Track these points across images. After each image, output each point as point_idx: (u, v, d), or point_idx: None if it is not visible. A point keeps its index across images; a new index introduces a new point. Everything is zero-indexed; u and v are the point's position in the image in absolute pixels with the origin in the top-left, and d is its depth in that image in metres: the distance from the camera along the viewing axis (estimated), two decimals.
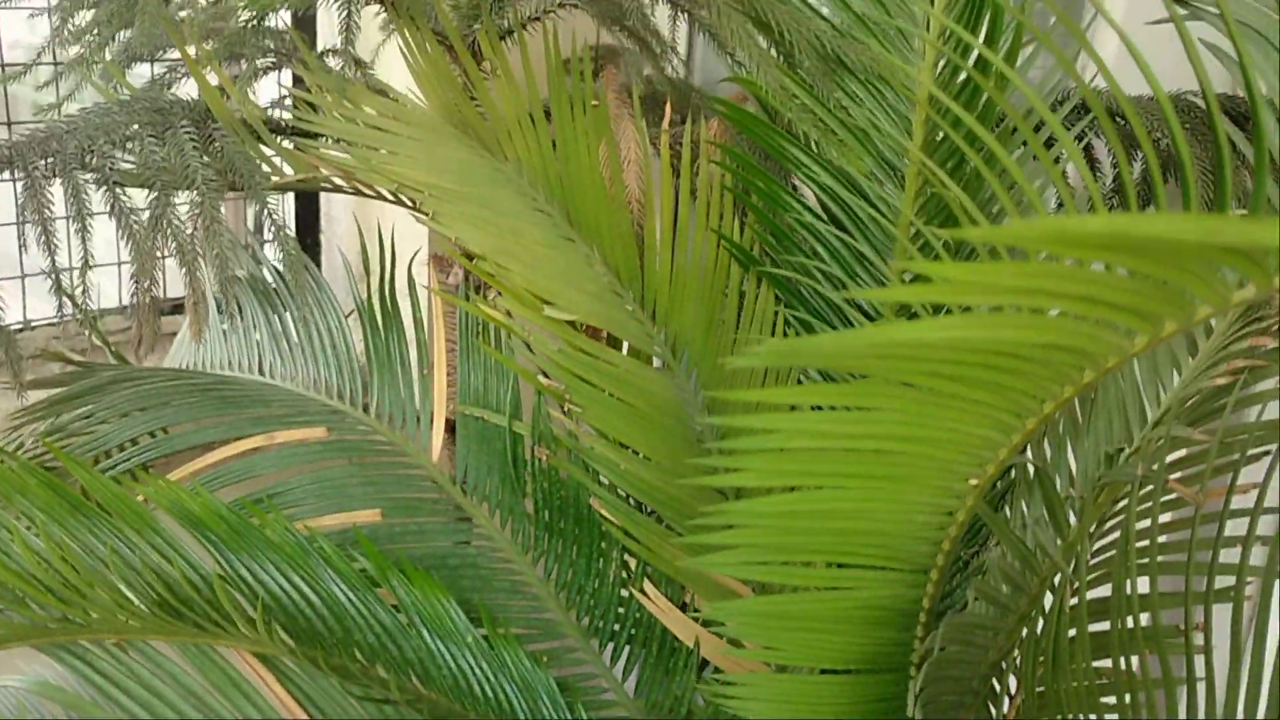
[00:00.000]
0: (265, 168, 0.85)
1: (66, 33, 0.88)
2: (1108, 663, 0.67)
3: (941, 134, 0.83)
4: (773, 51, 0.83)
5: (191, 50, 0.86)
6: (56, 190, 0.80)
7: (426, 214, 0.80)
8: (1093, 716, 0.67)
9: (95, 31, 0.87)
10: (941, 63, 0.83)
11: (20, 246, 0.79)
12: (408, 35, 0.87)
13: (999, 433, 0.51)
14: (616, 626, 0.93)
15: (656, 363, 0.89)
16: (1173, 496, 0.68)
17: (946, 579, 0.65)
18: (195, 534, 0.75)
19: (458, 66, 0.90)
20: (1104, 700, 0.67)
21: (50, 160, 0.76)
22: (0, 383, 0.81)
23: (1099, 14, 0.58)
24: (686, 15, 0.95)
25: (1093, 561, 0.72)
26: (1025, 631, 0.70)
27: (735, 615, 0.65)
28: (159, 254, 0.80)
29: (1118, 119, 0.92)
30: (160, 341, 0.90)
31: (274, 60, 0.93)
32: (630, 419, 0.82)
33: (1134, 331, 0.42)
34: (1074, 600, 0.68)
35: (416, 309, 1.01)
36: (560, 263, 0.85)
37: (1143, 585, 0.67)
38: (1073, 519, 0.73)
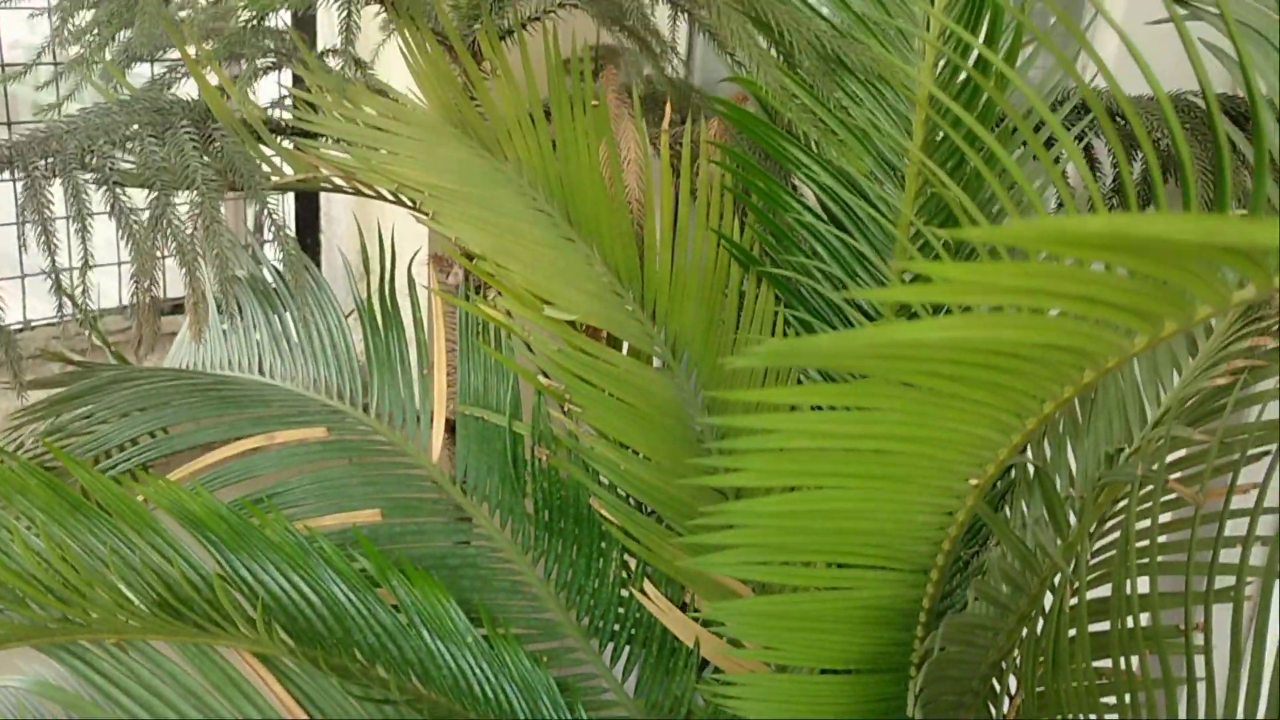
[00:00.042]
0: (265, 168, 0.85)
1: (66, 33, 0.88)
2: (1108, 663, 0.67)
3: (941, 134, 0.83)
4: (772, 51, 0.83)
5: (191, 50, 0.86)
6: (56, 190, 0.80)
7: (426, 214, 0.80)
8: (1093, 717, 0.67)
9: (95, 31, 0.87)
10: (941, 63, 0.83)
11: (20, 247, 0.79)
12: (407, 35, 0.87)
13: (999, 433, 0.51)
14: (616, 626, 0.93)
15: (656, 363, 0.89)
16: (1173, 496, 0.68)
17: (947, 579, 0.65)
18: (195, 534, 0.75)
19: (457, 66, 0.90)
20: (1104, 700, 0.67)
21: (50, 160, 0.76)
22: (0, 382, 0.81)
23: (1099, 14, 0.58)
24: (686, 15, 0.95)
25: (1093, 561, 0.72)
26: (1025, 631, 0.70)
27: (735, 615, 0.65)
28: (159, 254, 0.80)
29: (1118, 119, 0.92)
30: (160, 341, 0.90)
31: (274, 60, 0.93)
32: (630, 419, 0.82)
33: (1134, 331, 0.42)
34: (1074, 600, 0.68)
35: (416, 309, 1.01)
36: (560, 263, 0.85)
37: (1143, 585, 0.67)
38: (1073, 519, 0.73)
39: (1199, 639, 0.67)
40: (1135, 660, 0.66)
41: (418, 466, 0.97)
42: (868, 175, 0.84)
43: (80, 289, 0.79)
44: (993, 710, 0.75)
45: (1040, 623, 0.69)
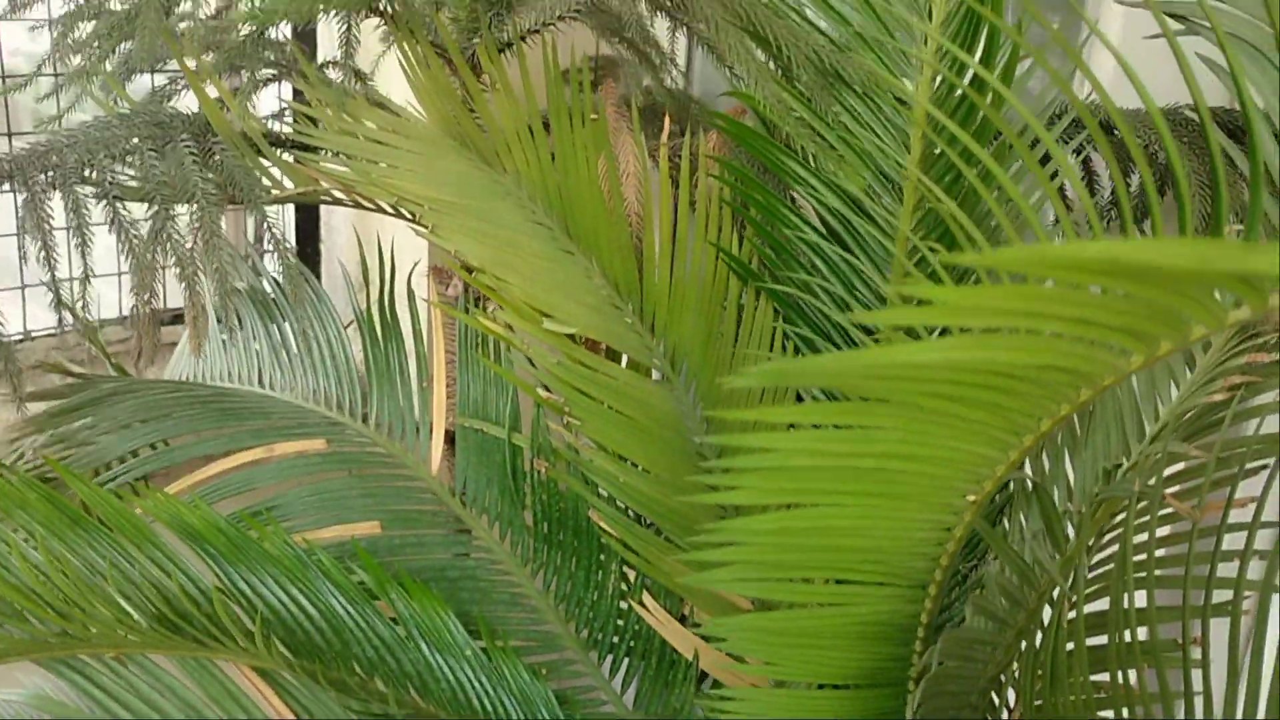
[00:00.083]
0: (265, 181, 0.85)
1: (68, 44, 0.88)
2: (1106, 676, 0.67)
3: (945, 140, 0.83)
4: (770, 65, 0.83)
5: (191, 63, 0.86)
6: (57, 201, 0.80)
7: (426, 227, 0.80)
8: None
9: (96, 44, 0.88)
10: (939, 78, 0.83)
11: (20, 258, 0.80)
12: (407, 49, 0.88)
13: (997, 450, 0.51)
14: (615, 639, 0.93)
15: (655, 375, 0.89)
16: (1171, 510, 0.68)
17: (945, 593, 0.65)
18: (194, 547, 0.75)
19: (457, 79, 0.91)
20: (1102, 714, 0.67)
21: (50, 174, 0.77)
22: (0, 394, 0.81)
23: (1093, 33, 0.58)
24: (685, 28, 0.95)
25: (1090, 575, 0.72)
26: (1024, 645, 0.70)
27: (734, 631, 0.65)
28: (159, 266, 0.80)
29: (1115, 133, 0.92)
30: (160, 351, 0.90)
31: (274, 72, 0.93)
32: (629, 431, 0.82)
33: (1129, 351, 0.42)
34: (1072, 614, 0.68)
35: (416, 320, 1.01)
36: (559, 275, 0.85)
37: (1140, 599, 0.67)
38: (1070, 532, 0.73)
39: (1196, 653, 0.68)
40: (1133, 674, 0.67)
41: (417, 478, 0.97)
42: (866, 190, 0.84)
43: (80, 304, 0.79)
44: None
45: (1038, 636, 0.69)
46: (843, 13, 0.84)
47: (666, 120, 0.99)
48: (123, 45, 0.89)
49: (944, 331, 0.80)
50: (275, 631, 0.75)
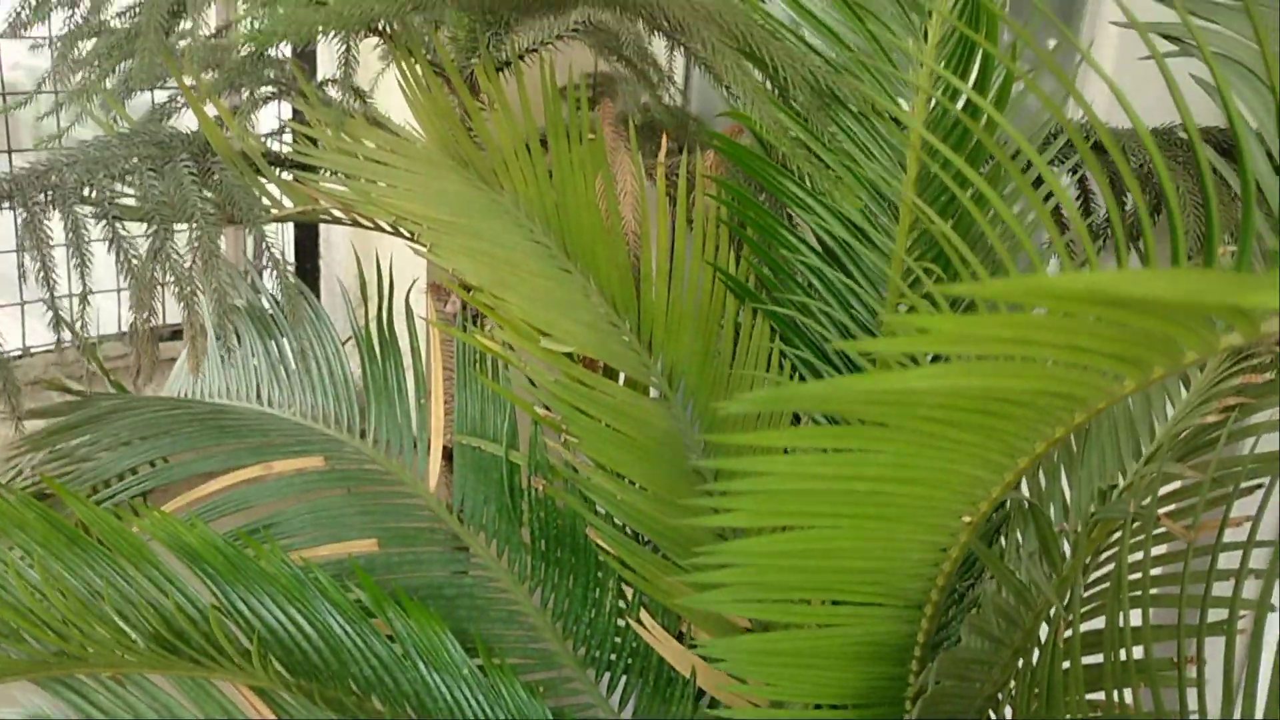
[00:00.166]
0: (264, 200, 0.86)
1: (68, 63, 0.89)
2: (1102, 695, 0.68)
3: (939, 164, 0.84)
4: (767, 84, 0.84)
5: (190, 82, 0.86)
6: (56, 217, 0.80)
7: (425, 246, 0.81)
8: None
9: (96, 63, 0.88)
10: (934, 99, 0.84)
11: (20, 276, 0.80)
12: (405, 69, 0.88)
13: (991, 472, 0.51)
14: (613, 656, 0.93)
15: (653, 393, 0.89)
16: (1166, 529, 0.69)
17: (942, 613, 0.65)
18: (192, 566, 0.75)
19: (455, 98, 0.91)
20: None
21: (49, 194, 0.77)
22: None
23: (1084, 59, 0.58)
24: (683, 47, 0.96)
25: (1087, 594, 0.73)
26: (1020, 664, 0.70)
27: (732, 652, 0.65)
28: (158, 283, 0.80)
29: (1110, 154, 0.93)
30: (159, 367, 0.91)
31: (274, 90, 0.94)
32: (627, 449, 0.82)
33: (1122, 376, 0.43)
34: (1068, 633, 0.68)
35: (414, 337, 1.01)
36: (557, 294, 0.86)
37: (1136, 618, 0.67)
38: (1066, 549, 0.73)
39: (1192, 672, 0.68)
40: (1129, 693, 0.67)
41: (415, 495, 0.97)
42: (863, 210, 0.85)
43: (80, 324, 0.79)
44: None
45: (1035, 655, 0.70)
46: (839, 34, 0.85)
47: (664, 138, 1.00)
48: (123, 64, 0.89)
49: (939, 355, 0.80)
50: (272, 650, 0.75)
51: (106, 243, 0.80)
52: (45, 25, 0.95)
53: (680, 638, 0.90)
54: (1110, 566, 0.72)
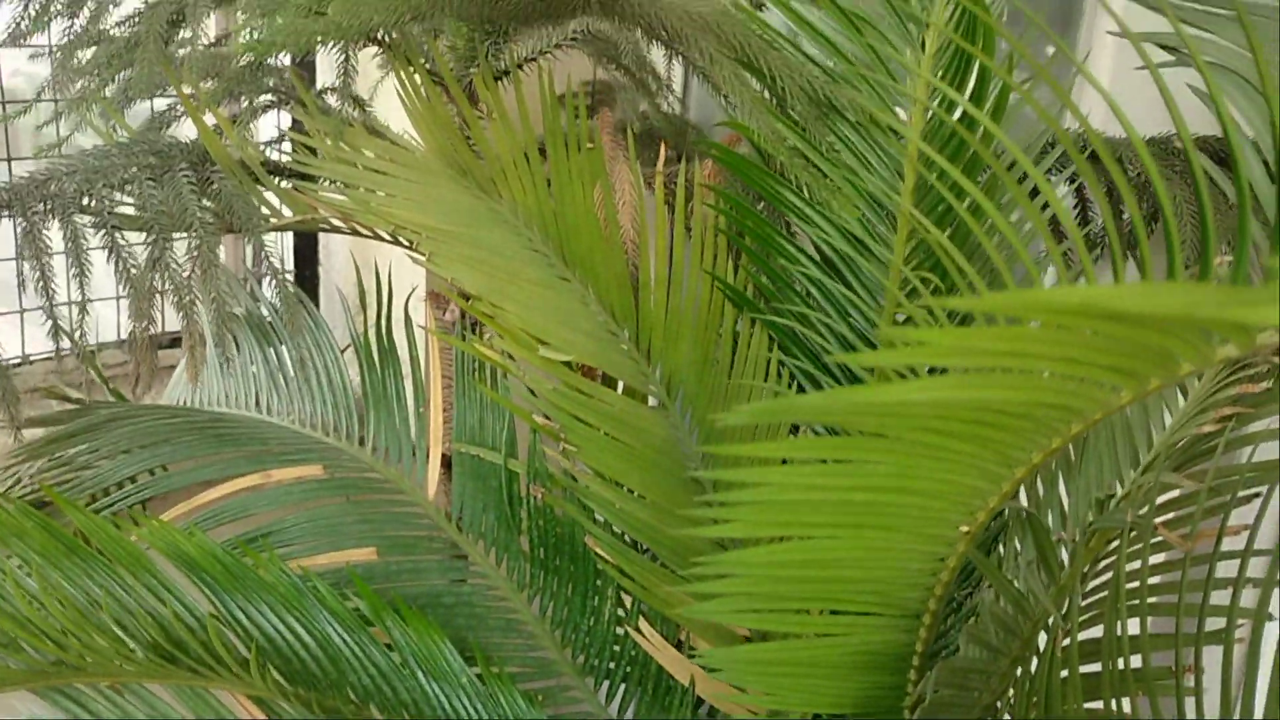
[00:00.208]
0: (263, 209, 0.86)
1: (68, 72, 0.89)
2: (1100, 704, 0.68)
3: (934, 175, 0.84)
4: (765, 94, 0.84)
5: (190, 91, 0.87)
6: (56, 226, 0.80)
7: (423, 255, 0.81)
8: None
9: (96, 72, 0.88)
10: (932, 110, 0.84)
11: (19, 284, 0.80)
12: (404, 78, 0.88)
13: (988, 482, 0.51)
14: (612, 664, 0.93)
15: (652, 401, 0.89)
16: (1164, 538, 0.69)
17: (940, 622, 0.65)
18: (190, 575, 0.75)
19: (454, 107, 0.91)
20: None
21: (49, 203, 0.77)
22: None
23: (1079, 71, 0.59)
24: (681, 56, 0.96)
25: (1084, 603, 0.73)
26: (1018, 673, 0.70)
27: (731, 661, 0.65)
28: (157, 292, 0.80)
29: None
30: (158, 374, 0.91)
31: (273, 99, 0.94)
32: (625, 457, 0.83)
33: (1119, 387, 0.43)
34: (1066, 641, 0.68)
35: (413, 346, 1.01)
36: (555, 302, 0.86)
37: (1134, 627, 0.67)
38: (1064, 556, 0.73)
39: (1190, 681, 0.68)
40: (1127, 702, 0.67)
41: (414, 504, 0.97)
42: (861, 220, 0.85)
43: (79, 333, 0.79)
44: None
45: (1033, 664, 0.70)
46: (837, 44, 0.85)
47: (663, 147, 1.00)
48: (123, 73, 0.90)
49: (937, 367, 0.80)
50: (271, 659, 0.75)
51: (105, 251, 0.80)
52: (45, 34, 0.95)
53: (679, 646, 0.90)
54: (1108, 575, 0.72)
